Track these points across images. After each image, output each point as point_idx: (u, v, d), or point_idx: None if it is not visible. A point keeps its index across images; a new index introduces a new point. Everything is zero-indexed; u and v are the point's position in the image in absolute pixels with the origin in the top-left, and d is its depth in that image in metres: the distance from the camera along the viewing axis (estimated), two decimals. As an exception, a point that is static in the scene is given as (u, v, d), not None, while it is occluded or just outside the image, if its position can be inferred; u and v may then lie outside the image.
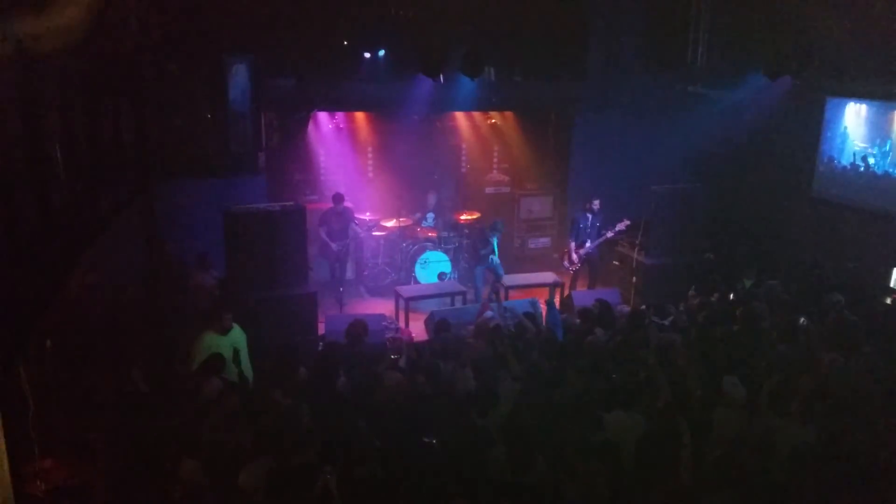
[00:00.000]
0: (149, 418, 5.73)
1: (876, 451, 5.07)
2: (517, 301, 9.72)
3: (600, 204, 10.76)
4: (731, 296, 9.01)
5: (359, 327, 7.37)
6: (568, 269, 10.94)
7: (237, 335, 7.07)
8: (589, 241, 10.74)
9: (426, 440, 5.23)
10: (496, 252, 10.60)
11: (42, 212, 4.93)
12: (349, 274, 11.51)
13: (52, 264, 5.13)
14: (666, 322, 8.11)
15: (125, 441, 5.52)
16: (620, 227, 10.50)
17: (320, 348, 8.26)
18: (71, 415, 6.08)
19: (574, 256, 10.84)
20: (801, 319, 7.73)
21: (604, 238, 10.70)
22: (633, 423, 5.50)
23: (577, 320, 8.21)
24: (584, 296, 9.74)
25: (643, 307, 8.70)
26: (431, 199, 12.24)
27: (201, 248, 9.08)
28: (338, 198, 10.77)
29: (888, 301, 9.25)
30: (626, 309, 8.82)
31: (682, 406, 5.72)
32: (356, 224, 11.24)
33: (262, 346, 7.25)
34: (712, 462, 5.01)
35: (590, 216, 10.79)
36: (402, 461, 5.01)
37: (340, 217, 10.84)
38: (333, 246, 10.73)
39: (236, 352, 6.62)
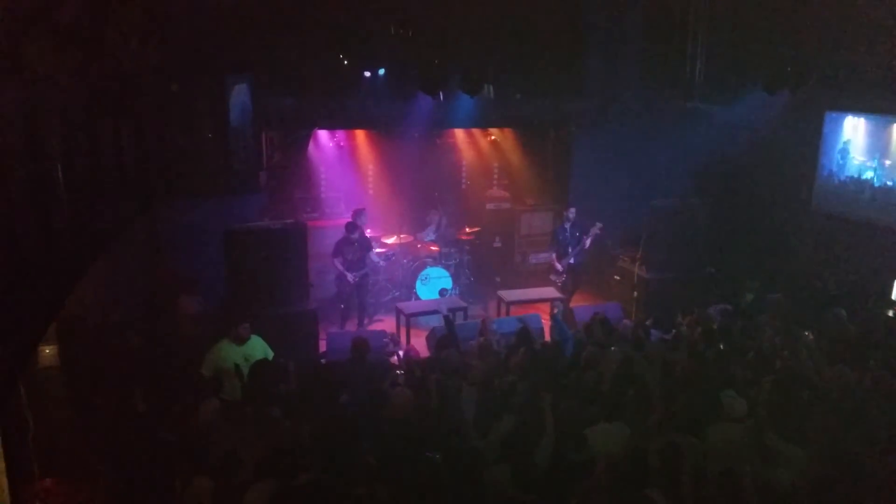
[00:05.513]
0: (149, 437, 5.71)
1: (880, 467, 5.03)
2: (505, 319, 9.81)
3: (576, 212, 10.74)
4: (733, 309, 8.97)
5: (362, 343, 7.37)
6: (555, 281, 10.88)
7: (254, 346, 7.11)
8: (570, 248, 10.71)
9: (429, 455, 5.19)
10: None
11: (43, 231, 4.94)
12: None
13: (53, 283, 5.13)
14: (668, 336, 8.08)
15: (126, 460, 5.49)
16: (595, 231, 10.43)
17: (321, 365, 8.21)
18: (71, 434, 6.06)
19: (558, 266, 10.80)
20: (807, 333, 7.70)
21: (583, 246, 10.62)
22: (617, 432, 5.52)
23: (583, 335, 8.17)
24: (587, 311, 9.71)
25: (647, 321, 8.66)
26: (434, 216, 12.27)
27: (201, 266, 9.01)
28: (351, 227, 10.26)
29: (890, 313, 9.22)
30: (629, 323, 8.79)
31: (678, 420, 5.69)
32: (374, 253, 10.73)
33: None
34: (714, 478, 4.96)
35: (567, 225, 10.78)
36: (404, 479, 4.97)
37: (356, 247, 10.34)
38: (350, 277, 10.23)
39: (238, 367, 6.60)
